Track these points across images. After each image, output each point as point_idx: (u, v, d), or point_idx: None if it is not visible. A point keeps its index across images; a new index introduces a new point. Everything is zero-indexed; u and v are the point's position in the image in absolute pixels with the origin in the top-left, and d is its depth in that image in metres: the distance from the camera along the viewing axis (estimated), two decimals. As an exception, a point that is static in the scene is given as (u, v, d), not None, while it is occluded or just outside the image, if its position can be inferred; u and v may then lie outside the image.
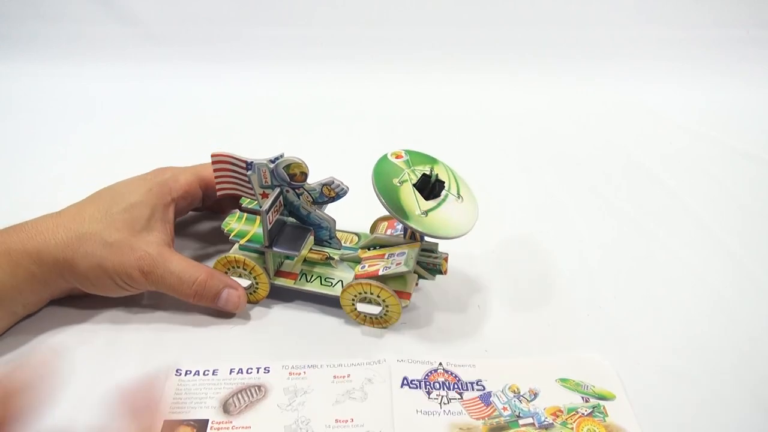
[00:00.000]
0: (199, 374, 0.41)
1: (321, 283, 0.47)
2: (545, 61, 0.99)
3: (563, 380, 0.42)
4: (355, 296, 0.45)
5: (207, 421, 0.38)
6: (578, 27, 1.00)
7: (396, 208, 0.42)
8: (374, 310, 0.45)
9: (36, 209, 0.46)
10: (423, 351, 0.44)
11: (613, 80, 0.97)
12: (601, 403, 0.40)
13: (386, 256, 0.45)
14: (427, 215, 0.42)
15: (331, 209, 0.48)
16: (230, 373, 0.41)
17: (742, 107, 0.91)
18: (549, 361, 0.43)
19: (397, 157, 0.46)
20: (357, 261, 0.48)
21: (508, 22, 1.00)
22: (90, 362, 0.42)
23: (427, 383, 0.41)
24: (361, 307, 0.45)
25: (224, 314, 0.47)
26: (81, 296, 0.45)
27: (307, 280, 0.47)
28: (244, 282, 0.47)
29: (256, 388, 0.40)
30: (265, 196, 0.46)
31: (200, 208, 0.55)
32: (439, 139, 0.80)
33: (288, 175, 0.44)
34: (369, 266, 0.45)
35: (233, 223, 0.48)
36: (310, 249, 0.49)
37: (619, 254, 0.56)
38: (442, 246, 0.47)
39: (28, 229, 0.42)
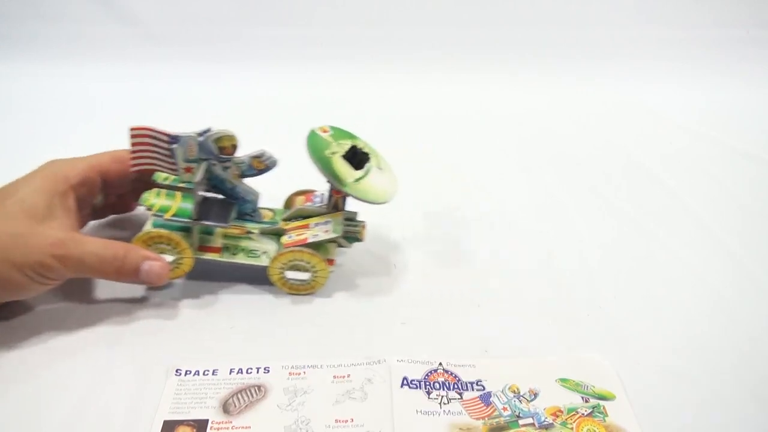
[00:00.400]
0: (199, 374, 0.41)
1: (247, 256, 0.48)
2: (545, 61, 0.98)
3: (563, 380, 0.42)
4: (285, 264, 0.47)
5: (207, 421, 0.38)
6: (577, 27, 1.00)
7: (333, 176, 0.45)
8: (304, 276, 0.47)
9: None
10: (423, 351, 0.44)
11: (612, 80, 0.96)
12: (601, 403, 0.40)
13: (311, 226, 0.48)
14: (359, 182, 0.46)
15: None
16: (230, 373, 0.41)
17: (742, 107, 0.91)
18: (549, 361, 0.43)
19: (323, 131, 0.49)
20: (277, 233, 0.49)
21: (507, 23, 1.00)
22: (90, 362, 0.42)
23: (427, 383, 0.41)
24: (291, 274, 0.47)
25: (220, 317, 0.46)
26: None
27: (232, 254, 0.48)
28: (168, 258, 0.46)
29: (256, 388, 0.40)
30: (188, 170, 0.45)
31: (102, 209, 0.53)
32: (439, 139, 0.80)
33: (218, 148, 0.44)
34: (296, 235, 0.47)
35: (152, 198, 0.47)
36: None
37: (619, 254, 0.56)
38: (363, 214, 0.50)
39: None
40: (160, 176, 0.48)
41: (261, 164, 0.46)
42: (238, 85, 0.94)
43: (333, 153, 0.47)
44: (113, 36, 0.98)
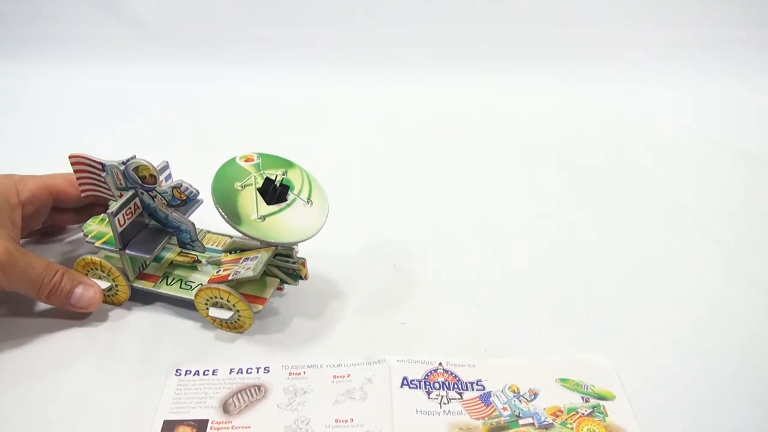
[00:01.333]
0: (198, 374, 0.41)
1: (180, 287, 0.46)
2: (545, 62, 0.99)
3: (563, 380, 0.42)
4: (208, 300, 0.44)
5: (207, 421, 0.38)
6: (577, 28, 1.00)
7: (230, 213, 0.42)
8: (225, 314, 0.44)
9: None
10: (423, 351, 0.44)
11: (612, 80, 0.97)
12: (601, 403, 0.40)
13: (241, 261, 0.44)
14: (264, 220, 0.43)
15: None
16: (230, 373, 0.41)
17: (742, 107, 0.91)
18: (549, 361, 0.43)
19: (247, 161, 0.46)
20: (218, 264, 0.47)
21: (506, 23, 1.00)
22: (90, 362, 0.42)
23: (427, 383, 0.41)
24: (213, 312, 0.44)
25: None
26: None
27: (167, 284, 0.47)
28: (104, 284, 0.46)
29: (256, 388, 0.40)
30: (121, 197, 0.45)
31: (51, 228, 0.54)
32: (441, 139, 0.80)
33: (139, 177, 0.44)
34: (223, 270, 0.44)
35: (94, 225, 0.47)
36: (180, 252, 0.49)
37: (619, 254, 0.56)
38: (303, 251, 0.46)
39: None
40: (113, 202, 0.47)
41: (182, 195, 0.44)
42: (238, 85, 0.94)
43: (245, 186, 0.44)
44: (113, 36, 0.98)
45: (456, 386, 0.41)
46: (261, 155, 0.47)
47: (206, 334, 0.45)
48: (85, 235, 0.47)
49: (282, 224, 0.43)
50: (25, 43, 0.98)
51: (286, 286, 0.48)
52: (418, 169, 0.71)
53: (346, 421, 0.38)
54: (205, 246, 0.48)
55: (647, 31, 1.00)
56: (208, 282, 0.44)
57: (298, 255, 0.46)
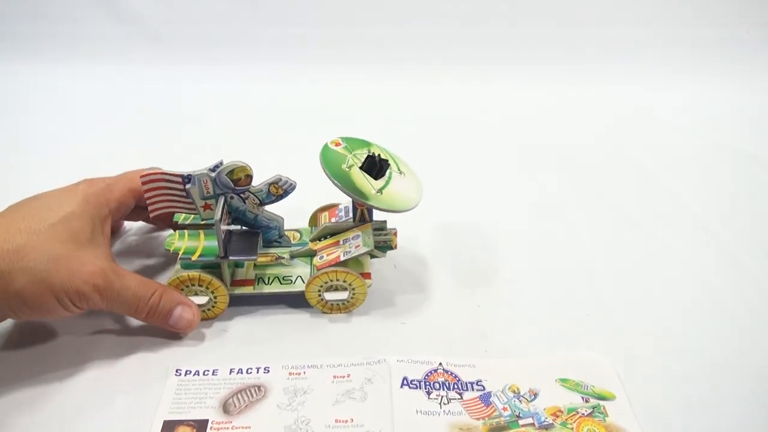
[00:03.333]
0: (198, 374, 0.41)
1: (281, 283, 0.47)
2: (545, 62, 0.98)
3: (563, 380, 0.42)
4: (321, 287, 0.45)
5: (207, 421, 0.38)
6: (577, 27, 1.00)
7: (354, 191, 0.44)
8: (342, 296, 0.46)
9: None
10: (423, 351, 0.44)
11: (612, 81, 0.96)
12: (601, 403, 0.40)
13: (341, 242, 0.46)
14: (382, 193, 0.45)
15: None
16: (230, 373, 0.41)
17: (742, 107, 0.91)
18: (549, 361, 0.43)
19: (336, 145, 0.47)
20: (309, 254, 0.48)
21: (506, 23, 1.00)
22: (90, 362, 0.42)
23: (427, 383, 0.41)
24: (329, 296, 0.46)
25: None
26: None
27: (265, 283, 0.47)
28: (201, 299, 0.45)
29: (256, 388, 0.40)
30: (207, 207, 0.45)
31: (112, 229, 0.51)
32: (439, 140, 0.80)
33: (232, 181, 0.44)
34: (327, 255, 0.46)
35: (177, 242, 0.46)
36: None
37: (619, 254, 0.56)
38: (392, 222, 0.49)
39: None
40: (179, 216, 0.47)
41: (279, 189, 0.45)
42: (238, 85, 0.94)
43: (350, 166, 0.45)
44: (113, 36, 0.98)
45: (456, 386, 0.41)
46: (344, 139, 0.48)
47: (206, 334, 0.45)
48: (174, 253, 0.45)
49: (395, 194, 0.45)
50: (25, 43, 0.98)
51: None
52: (417, 168, 0.71)
53: (346, 421, 0.38)
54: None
55: (647, 31, 1.00)
56: (317, 268, 0.45)
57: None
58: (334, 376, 0.41)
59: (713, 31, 0.99)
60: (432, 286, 0.51)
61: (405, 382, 0.41)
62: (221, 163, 0.43)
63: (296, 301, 0.47)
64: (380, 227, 0.49)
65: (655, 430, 0.38)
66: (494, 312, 0.48)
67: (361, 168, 0.46)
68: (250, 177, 0.44)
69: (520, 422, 0.38)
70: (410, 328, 0.46)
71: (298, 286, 0.46)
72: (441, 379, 0.41)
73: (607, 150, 0.78)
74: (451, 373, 0.42)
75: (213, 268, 0.45)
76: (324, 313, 0.47)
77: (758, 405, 0.40)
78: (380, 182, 0.45)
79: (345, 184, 0.44)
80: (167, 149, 0.73)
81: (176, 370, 0.41)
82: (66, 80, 0.93)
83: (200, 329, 0.45)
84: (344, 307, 0.47)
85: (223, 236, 0.43)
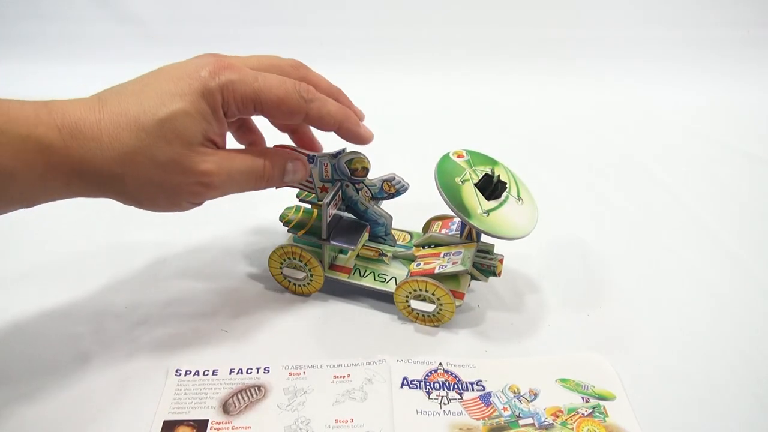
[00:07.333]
0: (198, 374, 0.41)
1: (374, 279, 0.47)
2: (545, 62, 0.99)
3: (563, 380, 0.41)
4: (410, 293, 0.45)
5: (207, 421, 0.38)
6: (577, 27, 1.00)
7: (458, 206, 0.42)
8: (428, 307, 0.45)
9: (36, 210, 0.45)
10: (423, 351, 0.44)
11: (612, 80, 0.97)
12: (601, 403, 0.40)
13: (442, 255, 0.46)
14: (488, 215, 0.43)
15: (386, 206, 0.48)
16: (230, 373, 0.41)
17: (742, 107, 0.91)
18: (549, 361, 0.43)
19: (458, 156, 0.46)
20: (410, 258, 0.48)
21: (508, 23, 1.00)
22: (90, 362, 0.42)
23: (427, 383, 0.41)
24: (415, 304, 0.45)
25: (232, 319, 0.46)
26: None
27: (360, 275, 0.48)
28: (299, 274, 0.47)
29: (256, 388, 0.40)
30: (324, 189, 0.46)
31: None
32: (437, 137, 0.80)
33: (349, 170, 0.45)
34: (424, 264, 0.45)
35: (291, 214, 0.49)
36: (364, 245, 0.49)
37: (619, 254, 0.56)
38: (499, 248, 0.48)
39: (65, 125, 0.36)
40: (302, 192, 0.48)
41: (391, 188, 0.46)
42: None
43: (464, 180, 0.44)
44: (113, 36, 0.98)
45: (456, 386, 0.41)
46: (469, 152, 0.47)
47: (207, 334, 0.45)
48: (285, 224, 0.47)
49: (503, 220, 0.43)
50: (25, 43, 0.98)
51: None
52: (417, 168, 0.71)
53: (346, 421, 0.38)
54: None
55: (648, 31, 1.00)
56: (411, 275, 0.45)
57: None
58: (334, 376, 0.41)
59: (713, 31, 1.00)
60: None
61: (405, 382, 0.41)
62: (343, 150, 0.44)
63: (385, 301, 0.48)
64: (486, 250, 0.48)
65: (655, 430, 0.38)
66: (494, 312, 0.48)
67: (476, 185, 0.44)
68: (366, 170, 0.45)
69: (520, 422, 0.38)
70: (410, 329, 0.46)
71: (390, 286, 0.47)
72: (441, 380, 0.41)
73: (607, 149, 0.78)
74: (451, 374, 0.42)
75: (318, 248, 0.47)
76: (411, 321, 0.47)
77: (758, 405, 0.40)
78: (491, 203, 0.43)
79: (451, 196, 0.42)
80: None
81: (176, 370, 0.41)
82: (66, 80, 0.92)
83: (200, 329, 0.45)
84: (429, 320, 0.46)
85: (329, 219, 0.45)
